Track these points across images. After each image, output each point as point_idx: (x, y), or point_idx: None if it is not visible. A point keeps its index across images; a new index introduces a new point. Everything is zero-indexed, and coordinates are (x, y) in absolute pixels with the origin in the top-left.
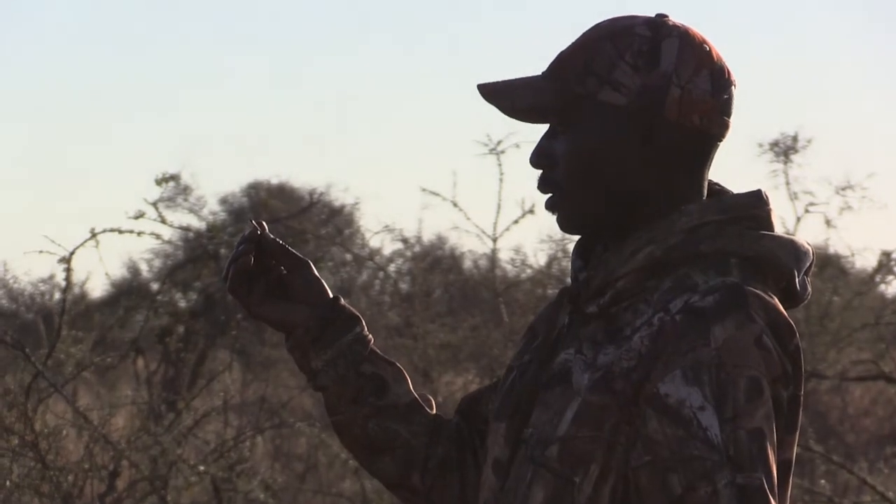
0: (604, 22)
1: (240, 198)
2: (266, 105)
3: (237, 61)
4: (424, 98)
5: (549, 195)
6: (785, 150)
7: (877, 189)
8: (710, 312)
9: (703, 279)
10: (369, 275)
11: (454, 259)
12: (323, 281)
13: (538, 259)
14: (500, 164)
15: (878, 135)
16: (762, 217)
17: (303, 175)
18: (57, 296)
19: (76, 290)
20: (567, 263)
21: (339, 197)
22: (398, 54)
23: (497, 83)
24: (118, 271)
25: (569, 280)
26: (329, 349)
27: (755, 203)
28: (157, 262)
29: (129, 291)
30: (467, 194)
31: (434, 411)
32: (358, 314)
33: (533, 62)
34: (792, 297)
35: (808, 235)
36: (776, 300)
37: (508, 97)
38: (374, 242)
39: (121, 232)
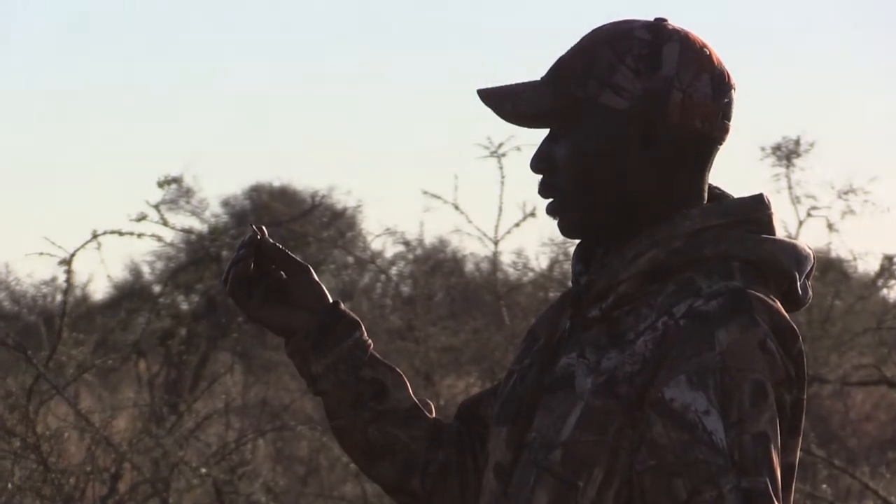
0: (604, 26)
1: (242, 200)
2: (268, 108)
3: (239, 63)
4: (426, 101)
5: (550, 200)
6: (787, 153)
7: (879, 193)
8: (714, 317)
9: (707, 283)
10: (371, 278)
11: (456, 262)
12: (323, 286)
13: (540, 262)
14: (501, 168)
15: (880, 139)
16: (764, 221)
17: (305, 178)
18: (59, 298)
19: (78, 292)
20: (569, 266)
21: (341, 200)
22: (400, 57)
23: (497, 88)
24: (120, 273)
25: (570, 284)
26: (329, 354)
27: (757, 207)
28: (159, 265)
29: (130, 294)
30: (469, 197)
31: (434, 416)
32: (358, 319)
33: (534, 65)
34: (793, 301)
35: (811, 239)
36: (778, 304)
37: (509, 101)
38: (375, 245)
39: (122, 234)
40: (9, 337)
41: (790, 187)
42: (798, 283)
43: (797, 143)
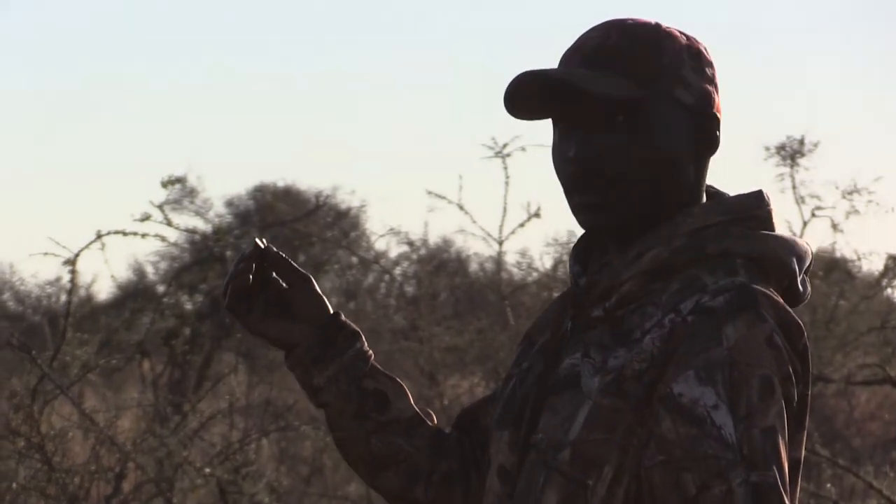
0: (634, 22)
1: (246, 200)
2: (272, 107)
3: (243, 63)
4: (430, 101)
5: (596, 191)
6: (792, 153)
7: (883, 193)
8: (721, 312)
9: (713, 279)
10: (375, 277)
11: (460, 262)
12: (324, 297)
13: (544, 262)
14: (506, 168)
15: (885, 139)
16: (763, 217)
17: (309, 178)
18: (63, 298)
19: (82, 292)
20: None
21: (345, 200)
22: (404, 57)
23: (544, 71)
24: (124, 273)
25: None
26: (331, 366)
27: (757, 203)
28: (163, 265)
29: (134, 294)
30: (473, 197)
31: (435, 424)
32: (358, 329)
33: (541, 62)
34: (793, 297)
35: (815, 239)
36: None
37: (582, 84)
38: (379, 245)
39: (126, 234)
40: (13, 337)
41: (794, 187)
42: (798, 279)
43: (801, 142)
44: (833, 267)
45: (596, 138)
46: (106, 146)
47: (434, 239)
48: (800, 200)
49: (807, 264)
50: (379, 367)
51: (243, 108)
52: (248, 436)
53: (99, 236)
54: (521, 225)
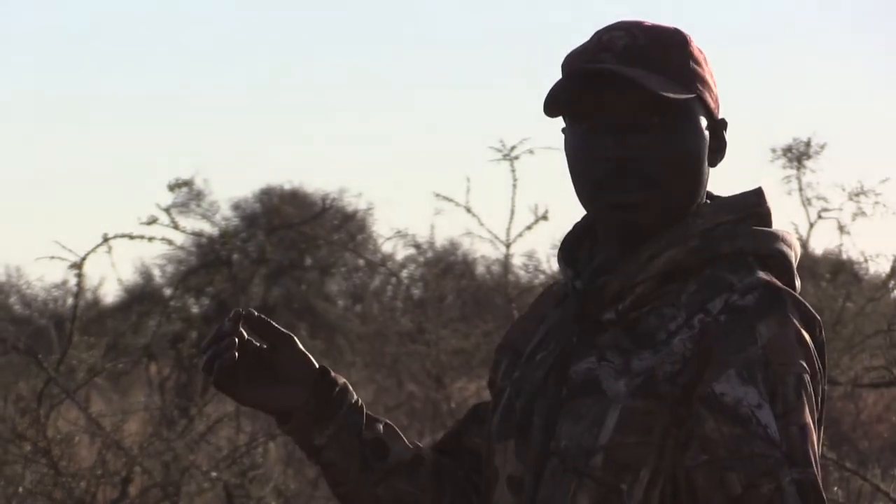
0: (652, 24)
1: (252, 203)
2: (278, 110)
3: (250, 66)
4: (438, 103)
5: (632, 191)
6: (798, 155)
7: (890, 195)
8: (752, 311)
9: (737, 278)
10: (382, 280)
11: (467, 265)
12: (308, 354)
13: (551, 265)
14: (513, 170)
15: (891, 140)
16: (764, 214)
17: (315, 180)
18: (70, 301)
19: (89, 295)
20: None
21: (352, 202)
22: (411, 59)
23: (595, 67)
24: (131, 277)
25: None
26: (330, 424)
27: (758, 201)
28: (170, 268)
29: (141, 297)
30: (480, 200)
31: (426, 456)
32: (345, 380)
33: (550, 64)
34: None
35: (822, 241)
36: None
37: (644, 82)
38: (386, 248)
39: (132, 237)
40: (19, 341)
41: (801, 189)
42: (794, 274)
43: (808, 144)
44: (840, 269)
45: (631, 138)
46: (113, 149)
47: (441, 241)
48: (806, 202)
49: (798, 259)
50: (370, 413)
51: (250, 111)
52: (254, 439)
53: (105, 240)
54: (529, 227)
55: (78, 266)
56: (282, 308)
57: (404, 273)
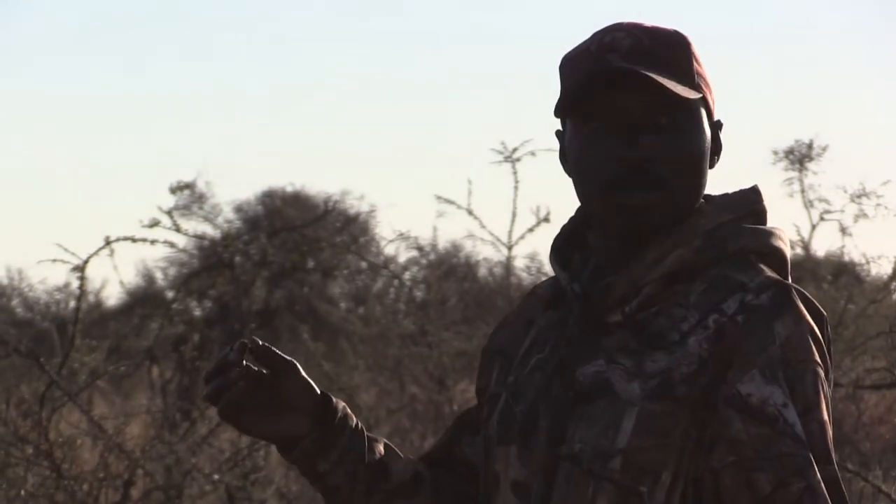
0: (652, 25)
1: (255, 206)
2: (281, 112)
3: (252, 68)
4: (439, 106)
5: (645, 192)
6: (800, 157)
7: (892, 196)
8: (768, 310)
9: (747, 277)
10: (384, 283)
11: (469, 267)
12: (310, 380)
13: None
14: (515, 172)
15: (893, 142)
16: (761, 212)
17: (318, 183)
18: (72, 304)
19: (91, 298)
20: None
21: (354, 205)
22: (413, 61)
23: (626, 67)
24: (133, 279)
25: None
26: (334, 450)
27: (756, 199)
28: (172, 271)
29: (143, 300)
30: (482, 202)
31: (425, 472)
32: (345, 405)
33: (551, 67)
34: None
35: (824, 243)
36: None
37: (664, 82)
38: (389, 250)
39: (134, 240)
40: (21, 344)
41: (803, 191)
42: (789, 272)
43: (810, 146)
44: (841, 271)
45: (643, 138)
46: (114, 152)
47: (443, 244)
48: (808, 204)
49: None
50: (370, 434)
51: (252, 114)
52: (256, 442)
53: (108, 242)
54: (531, 229)
55: (80, 269)
56: (284, 310)
57: (407, 275)
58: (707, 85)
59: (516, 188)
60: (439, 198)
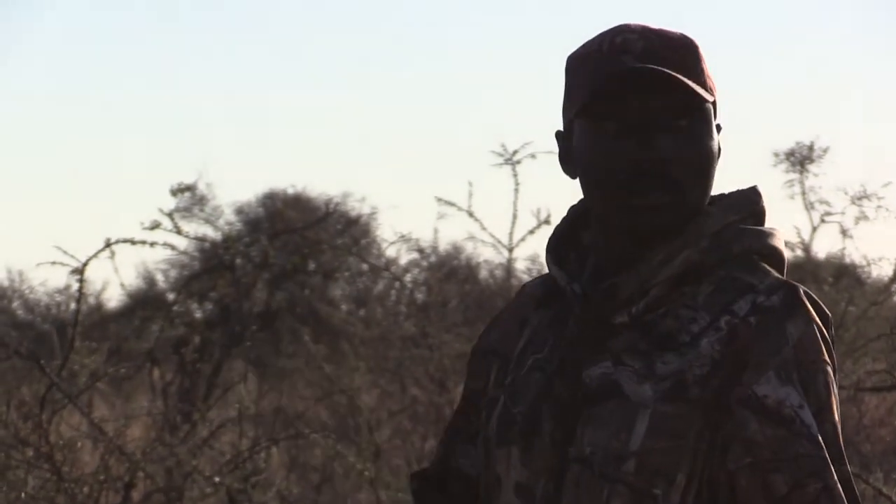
0: (659, 28)
1: (256, 208)
2: (281, 114)
3: (253, 70)
4: (440, 107)
5: (661, 193)
6: (801, 159)
7: (893, 198)
8: (780, 311)
9: (757, 278)
10: (385, 285)
11: (470, 269)
12: None
13: None
14: (515, 174)
15: (894, 144)
16: (761, 212)
17: (319, 185)
18: (72, 306)
19: (91, 300)
20: None
21: (356, 207)
22: (414, 63)
23: (646, 68)
24: (134, 282)
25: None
26: None
27: (756, 199)
28: (173, 273)
29: (144, 302)
30: (483, 204)
31: None
32: None
33: (552, 69)
34: None
35: (824, 245)
36: None
37: (688, 83)
38: (390, 252)
39: (135, 242)
40: (22, 346)
41: (804, 193)
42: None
43: (811, 148)
44: (842, 273)
45: (661, 140)
46: (115, 154)
47: (444, 246)
48: (809, 206)
49: None
50: None
51: (253, 116)
52: (257, 444)
53: (108, 244)
54: (531, 232)
55: (80, 271)
56: (285, 312)
57: (408, 277)
58: (714, 88)
59: (517, 190)
60: (440, 200)
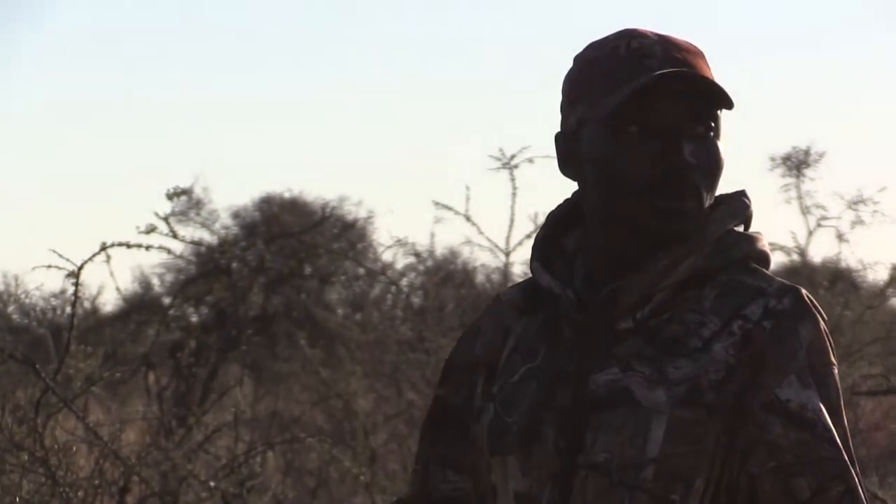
0: (668, 35)
1: (252, 212)
2: (278, 118)
3: (249, 74)
4: (438, 112)
5: (687, 197)
6: (797, 164)
7: (889, 203)
8: (793, 315)
9: (764, 282)
10: (382, 289)
11: (466, 273)
12: None
13: None
14: (513, 179)
15: (890, 149)
16: (750, 217)
17: (315, 189)
18: (68, 310)
19: (87, 304)
20: None
21: (352, 211)
22: (411, 67)
23: (686, 72)
24: (129, 286)
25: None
26: None
27: (748, 204)
28: (169, 277)
29: (140, 306)
30: (480, 208)
31: None
32: None
33: (549, 74)
34: None
35: (820, 249)
36: None
37: (723, 89)
38: (386, 256)
39: (130, 246)
40: (17, 350)
41: (800, 198)
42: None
43: (807, 153)
44: (838, 277)
45: (687, 145)
46: (111, 157)
47: (441, 250)
48: (805, 211)
49: None
50: None
51: (249, 119)
52: (253, 448)
53: (104, 248)
54: (528, 236)
55: (76, 275)
56: (281, 316)
57: (404, 282)
58: None
59: (514, 195)
60: (437, 204)
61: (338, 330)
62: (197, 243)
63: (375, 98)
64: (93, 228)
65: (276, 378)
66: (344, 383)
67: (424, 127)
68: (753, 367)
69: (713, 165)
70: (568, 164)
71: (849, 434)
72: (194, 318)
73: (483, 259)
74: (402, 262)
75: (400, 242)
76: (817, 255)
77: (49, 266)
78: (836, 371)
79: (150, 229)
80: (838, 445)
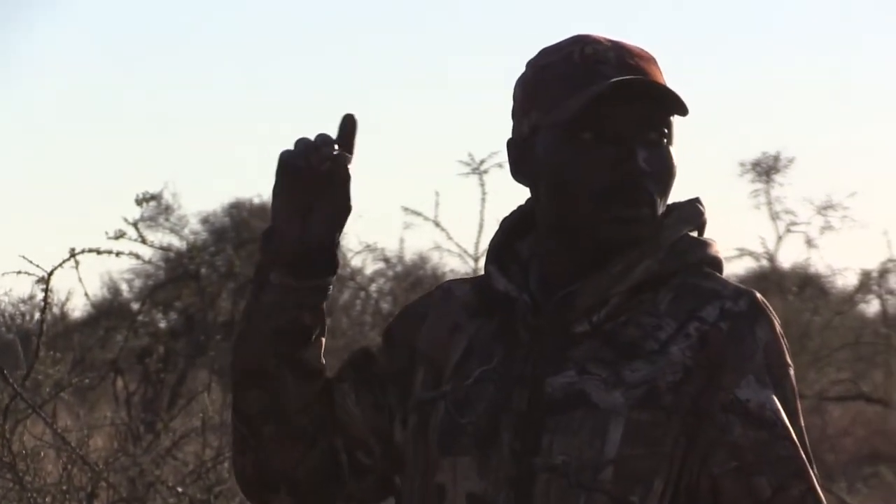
0: (619, 40)
1: (221, 217)
2: (248, 124)
3: (217, 80)
4: (407, 117)
5: (642, 204)
6: (767, 169)
7: (858, 208)
8: (749, 316)
9: (719, 285)
10: (351, 294)
11: (436, 279)
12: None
13: None
14: (482, 184)
15: (859, 154)
16: (704, 223)
17: None
18: (37, 316)
19: (56, 310)
20: None
21: None
22: (381, 73)
23: (641, 79)
24: (98, 291)
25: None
26: (309, 279)
27: (702, 211)
28: (138, 283)
29: (109, 312)
30: (449, 214)
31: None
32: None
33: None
34: None
35: (790, 255)
36: None
37: (679, 96)
38: (355, 262)
39: (100, 252)
40: None
41: (769, 203)
42: None
43: (776, 159)
44: (807, 283)
45: (641, 152)
46: (80, 163)
47: (410, 256)
48: (774, 216)
49: None
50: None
51: (219, 125)
52: (221, 454)
53: (73, 254)
54: None
55: (45, 281)
56: None
57: (373, 287)
58: None
59: (483, 200)
60: (406, 209)
61: None
62: (166, 249)
63: (344, 103)
64: (62, 234)
65: None
66: None
67: (394, 132)
68: (711, 368)
69: (666, 172)
70: (520, 170)
71: (805, 434)
72: (163, 324)
73: (452, 264)
74: (371, 267)
75: (369, 248)
76: (787, 260)
77: (19, 272)
78: (792, 372)
79: (119, 235)
80: (796, 444)
